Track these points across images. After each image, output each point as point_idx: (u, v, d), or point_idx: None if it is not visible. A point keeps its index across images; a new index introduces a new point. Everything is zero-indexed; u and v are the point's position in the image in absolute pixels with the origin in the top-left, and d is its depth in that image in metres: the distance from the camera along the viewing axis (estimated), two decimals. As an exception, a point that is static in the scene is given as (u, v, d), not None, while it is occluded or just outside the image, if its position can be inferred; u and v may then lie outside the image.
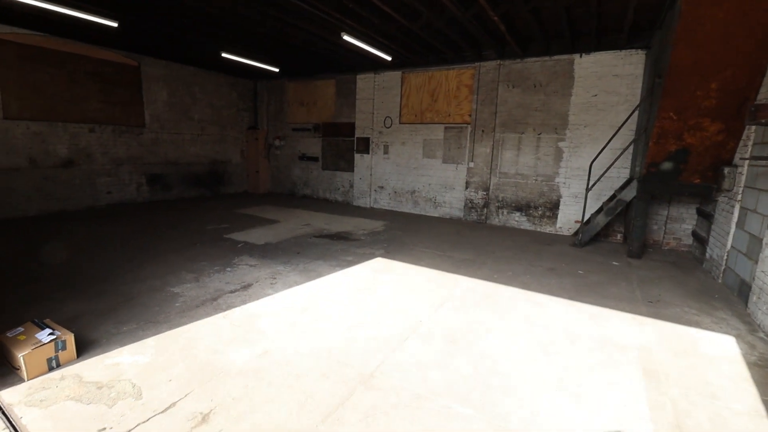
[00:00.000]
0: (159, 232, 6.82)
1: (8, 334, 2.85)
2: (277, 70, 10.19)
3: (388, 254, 5.99)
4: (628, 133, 7.11)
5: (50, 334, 2.82)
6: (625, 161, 7.31)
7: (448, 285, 4.73)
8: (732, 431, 2.41)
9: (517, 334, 3.55)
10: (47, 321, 3.03)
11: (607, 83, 7.32)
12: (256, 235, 6.79)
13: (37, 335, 2.81)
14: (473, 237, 7.44)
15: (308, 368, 2.90)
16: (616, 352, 3.29)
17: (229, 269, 4.99)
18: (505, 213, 8.69)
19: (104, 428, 2.26)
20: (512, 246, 6.83)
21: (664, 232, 7.12)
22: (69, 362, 2.86)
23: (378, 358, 3.07)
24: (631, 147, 7.11)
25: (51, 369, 2.77)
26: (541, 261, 5.95)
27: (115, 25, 6.47)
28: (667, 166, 5.81)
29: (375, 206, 10.50)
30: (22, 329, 2.90)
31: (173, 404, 2.47)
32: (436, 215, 9.54)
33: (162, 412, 2.40)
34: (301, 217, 8.70)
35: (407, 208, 9.98)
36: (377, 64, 9.63)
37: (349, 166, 10.79)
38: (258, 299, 4.11)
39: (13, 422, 2.27)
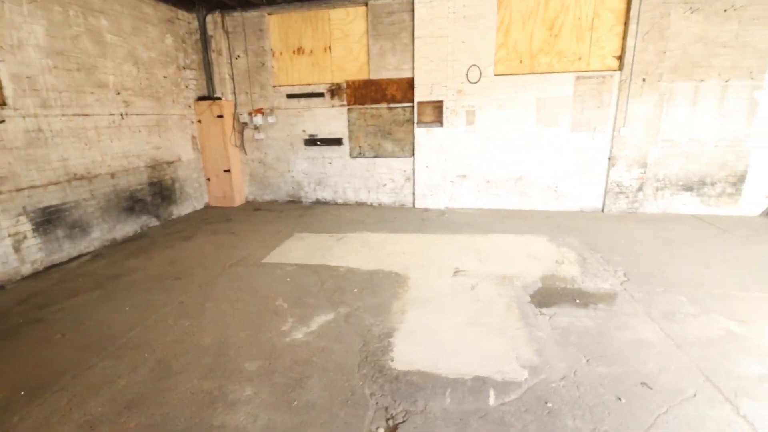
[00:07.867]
0: None
1: None
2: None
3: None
4: None
5: None
6: None
7: None
8: None
9: None
10: None
11: (837, -1, 5.16)
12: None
13: None
14: (685, 246, 4.82)
15: None
16: None
17: None
18: (666, 195, 6.25)
19: None
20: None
21: None
22: None
23: None
24: None
25: None
26: None
27: None
28: None
29: (453, 206, 7.03)
30: None
31: None
32: (558, 209, 6.62)
33: None
34: (365, 257, 4.81)
35: (511, 203, 6.80)
36: (454, -23, 5.87)
37: (403, 149, 6.95)
38: None
39: None
